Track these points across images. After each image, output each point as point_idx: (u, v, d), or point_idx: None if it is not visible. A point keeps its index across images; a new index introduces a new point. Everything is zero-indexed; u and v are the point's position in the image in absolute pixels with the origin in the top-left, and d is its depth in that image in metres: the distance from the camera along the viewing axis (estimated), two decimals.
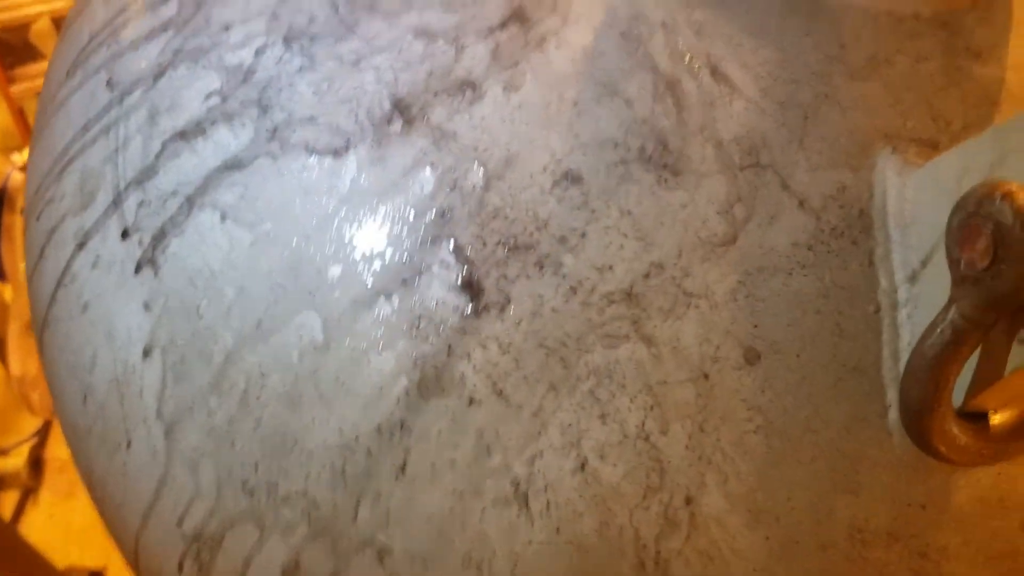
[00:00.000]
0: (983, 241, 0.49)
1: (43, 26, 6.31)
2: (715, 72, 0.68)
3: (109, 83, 0.83)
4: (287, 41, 0.75)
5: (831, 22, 0.70)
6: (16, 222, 2.98)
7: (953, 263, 0.52)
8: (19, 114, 5.66)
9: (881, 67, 0.68)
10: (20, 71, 5.89)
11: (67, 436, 0.83)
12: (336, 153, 0.70)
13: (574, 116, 0.68)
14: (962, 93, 0.68)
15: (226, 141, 0.74)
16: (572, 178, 0.66)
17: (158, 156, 0.76)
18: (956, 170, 0.57)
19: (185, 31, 0.80)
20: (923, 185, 0.61)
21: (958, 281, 0.51)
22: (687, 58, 0.69)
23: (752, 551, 0.61)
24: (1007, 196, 0.48)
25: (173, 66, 0.79)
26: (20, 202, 2.97)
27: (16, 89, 5.82)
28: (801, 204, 0.65)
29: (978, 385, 0.55)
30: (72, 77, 0.88)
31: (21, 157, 3.08)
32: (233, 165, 0.73)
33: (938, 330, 0.52)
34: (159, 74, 0.79)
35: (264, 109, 0.74)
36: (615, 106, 0.68)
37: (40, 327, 0.85)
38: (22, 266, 2.94)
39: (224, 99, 0.75)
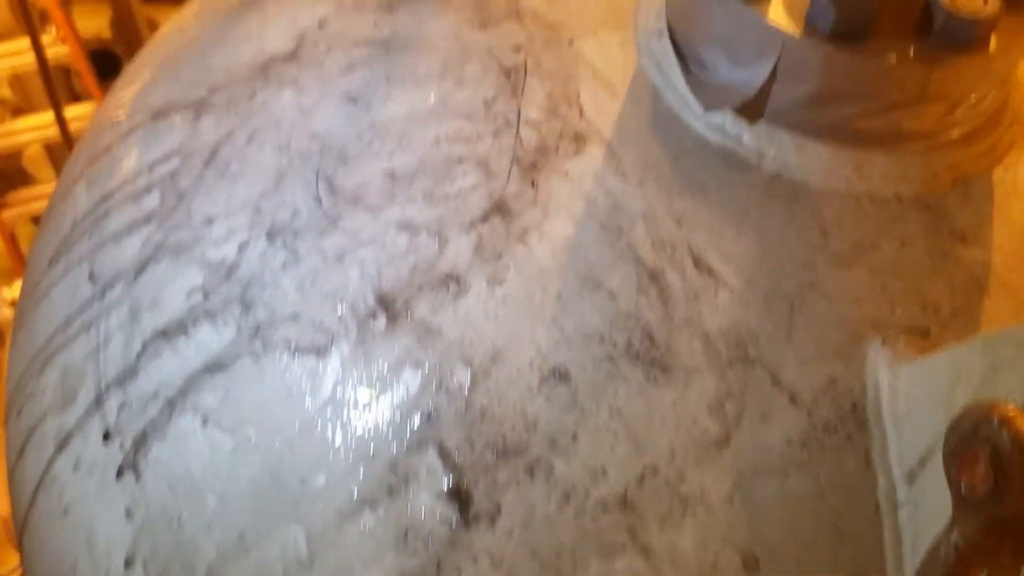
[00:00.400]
0: (982, 466, 0.48)
1: (35, 152, 6.40)
2: (698, 263, 0.68)
3: (91, 276, 0.82)
4: (270, 236, 0.75)
5: (812, 208, 0.70)
6: (7, 358, 2.96)
7: (953, 484, 0.50)
8: (10, 239, 5.68)
9: (866, 253, 0.68)
10: (12, 196, 5.94)
11: None
12: (319, 352, 0.69)
13: (559, 309, 0.67)
14: (949, 277, 0.68)
15: (208, 340, 0.73)
16: (560, 375, 0.65)
17: (139, 356, 0.75)
18: (948, 374, 0.56)
19: (168, 224, 0.80)
20: (916, 382, 0.60)
21: (959, 504, 0.50)
22: (669, 249, 0.68)
23: None
24: (1005, 422, 0.47)
25: (155, 260, 0.78)
26: (10, 336, 2.98)
27: (8, 214, 5.85)
28: (792, 399, 0.63)
29: None
30: (54, 266, 0.87)
31: (11, 292, 3.08)
32: (215, 366, 0.72)
33: (941, 553, 0.50)
34: (141, 269, 0.79)
35: (247, 307, 0.73)
36: (599, 299, 0.67)
37: (20, 529, 0.82)
38: None
39: (206, 296, 0.75)
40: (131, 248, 0.81)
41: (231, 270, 0.75)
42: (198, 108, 0.86)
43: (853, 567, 0.60)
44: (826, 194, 0.70)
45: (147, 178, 0.84)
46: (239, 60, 0.89)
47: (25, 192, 5.89)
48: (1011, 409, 0.47)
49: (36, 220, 6.31)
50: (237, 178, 0.79)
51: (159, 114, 0.88)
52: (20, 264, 5.50)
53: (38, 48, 3.68)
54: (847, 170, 0.70)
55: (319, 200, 0.76)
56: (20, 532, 0.83)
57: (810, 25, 0.65)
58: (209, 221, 0.78)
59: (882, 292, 0.67)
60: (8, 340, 2.56)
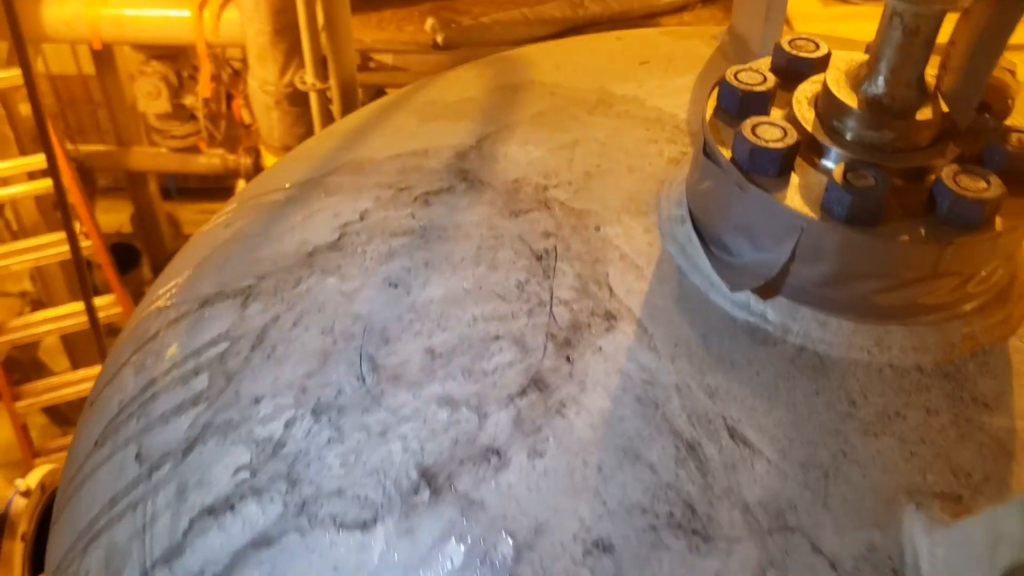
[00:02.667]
0: None
1: (52, 343, 6.50)
2: (733, 434, 0.70)
3: (138, 456, 0.84)
4: (316, 413, 0.78)
5: (839, 379, 0.73)
6: (16, 549, 2.92)
7: None
8: (22, 430, 5.69)
9: (893, 421, 0.71)
10: (26, 387, 5.99)
11: None
12: (364, 527, 0.71)
13: (600, 482, 0.69)
14: (977, 444, 0.70)
15: (254, 517, 0.74)
16: (603, 547, 0.66)
17: (185, 534, 0.76)
18: (987, 536, 0.58)
19: (216, 404, 0.83)
20: (955, 545, 0.62)
21: None
22: (705, 421, 0.71)
23: None
24: None
25: (203, 440, 0.81)
26: (21, 527, 2.95)
27: (20, 405, 5.88)
28: (833, 566, 0.65)
29: None
30: (100, 448, 0.90)
31: (24, 482, 3.08)
32: (261, 543, 0.73)
33: None
34: (189, 448, 0.81)
35: (293, 483, 0.75)
36: (639, 471, 0.69)
37: None
38: None
39: (253, 473, 0.77)
40: (179, 428, 0.83)
41: (277, 447, 0.77)
42: (246, 295, 0.91)
43: None
44: (850, 365, 0.74)
45: (195, 361, 0.88)
46: (285, 251, 0.94)
47: (39, 384, 5.95)
48: None
49: (47, 411, 6.32)
50: (283, 360, 0.83)
51: (207, 301, 0.93)
52: (31, 454, 5.48)
53: (73, 242, 3.82)
54: (868, 342, 0.74)
55: (362, 379, 0.79)
56: None
57: (825, 209, 0.71)
58: (256, 401, 0.81)
59: (912, 459, 0.69)
60: (18, 530, 2.53)
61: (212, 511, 0.77)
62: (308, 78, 3.84)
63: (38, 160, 5.11)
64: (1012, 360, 0.76)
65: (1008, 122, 0.76)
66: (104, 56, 6.23)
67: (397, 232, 0.91)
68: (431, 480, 0.72)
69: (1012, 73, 0.76)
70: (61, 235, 5.47)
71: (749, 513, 0.67)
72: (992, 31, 0.69)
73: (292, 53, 4.61)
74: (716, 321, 0.77)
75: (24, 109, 5.61)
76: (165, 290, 1.01)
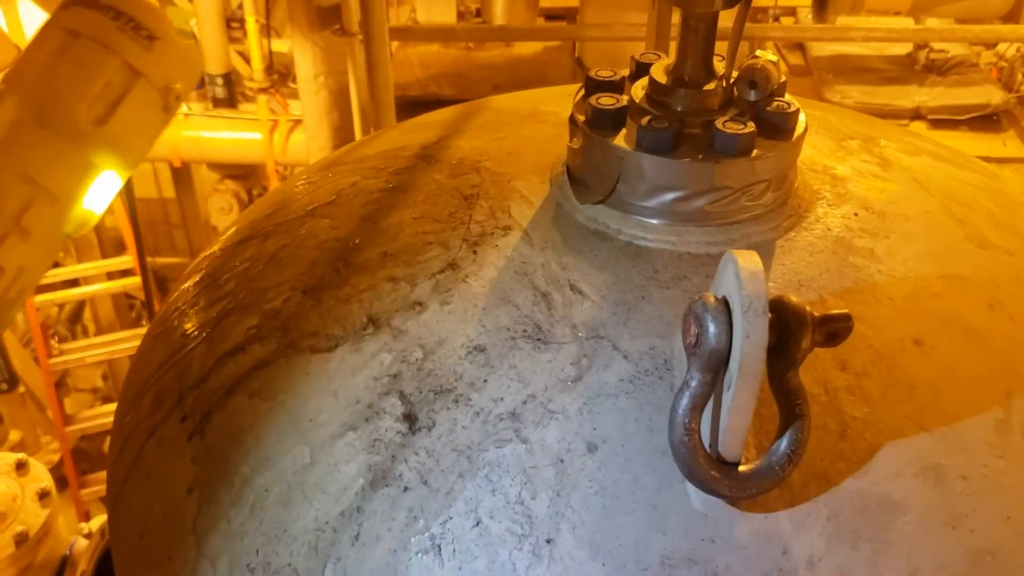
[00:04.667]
0: (691, 327, 0.83)
1: None
2: (573, 287, 1.05)
3: (183, 333, 1.22)
4: (304, 292, 1.15)
5: (649, 259, 1.08)
6: None
7: (685, 347, 0.85)
8: (85, 517, 6.06)
9: (682, 282, 1.05)
10: (92, 477, 6.39)
11: (120, 565, 1.10)
12: (329, 350, 1.07)
13: (482, 315, 1.04)
14: None
15: (257, 352, 1.10)
16: (480, 349, 1.01)
17: (210, 369, 1.13)
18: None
19: (236, 295, 1.20)
20: None
21: (687, 355, 0.84)
22: (555, 281, 1.06)
23: (593, 574, 0.86)
24: (701, 298, 0.83)
25: (228, 315, 1.18)
26: (81, 566, 3.28)
27: (85, 492, 6.27)
28: (626, 358, 0.98)
29: (721, 433, 0.85)
30: (157, 337, 1.27)
31: (87, 526, 3.43)
32: (261, 366, 1.09)
33: (682, 391, 0.84)
34: (217, 321, 1.18)
35: (284, 331, 1.11)
36: (508, 309, 1.04)
37: (114, 500, 1.16)
38: None
39: (259, 329, 1.13)
40: (211, 312, 1.21)
41: (276, 313, 1.14)
42: (265, 236, 1.30)
43: (661, 448, 0.91)
44: (659, 252, 1.09)
45: (227, 275, 1.26)
46: (295, 210, 1.33)
47: (104, 474, 6.32)
48: (706, 294, 0.83)
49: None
50: (286, 267, 1.21)
51: (240, 242, 1.32)
52: None
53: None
54: (672, 237, 1.09)
55: (337, 270, 1.16)
56: (113, 504, 1.16)
57: (637, 143, 1.07)
58: (265, 290, 1.19)
59: (687, 299, 1.03)
60: (79, 568, 2.88)
61: (230, 353, 1.13)
62: None
63: (124, 261, 5.67)
64: (775, 252, 1.10)
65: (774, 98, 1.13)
66: (183, 176, 6.89)
67: (374, 191, 1.29)
68: (375, 321, 1.08)
69: (776, 65, 1.13)
70: (134, 332, 5.98)
71: (575, 329, 1.01)
72: (738, 25, 1.07)
73: None
74: (575, 229, 1.13)
75: (108, 221, 6.24)
76: (213, 243, 1.41)
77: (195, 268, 1.37)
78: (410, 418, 0.98)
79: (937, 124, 5.54)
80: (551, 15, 7.17)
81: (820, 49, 6.20)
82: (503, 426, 0.95)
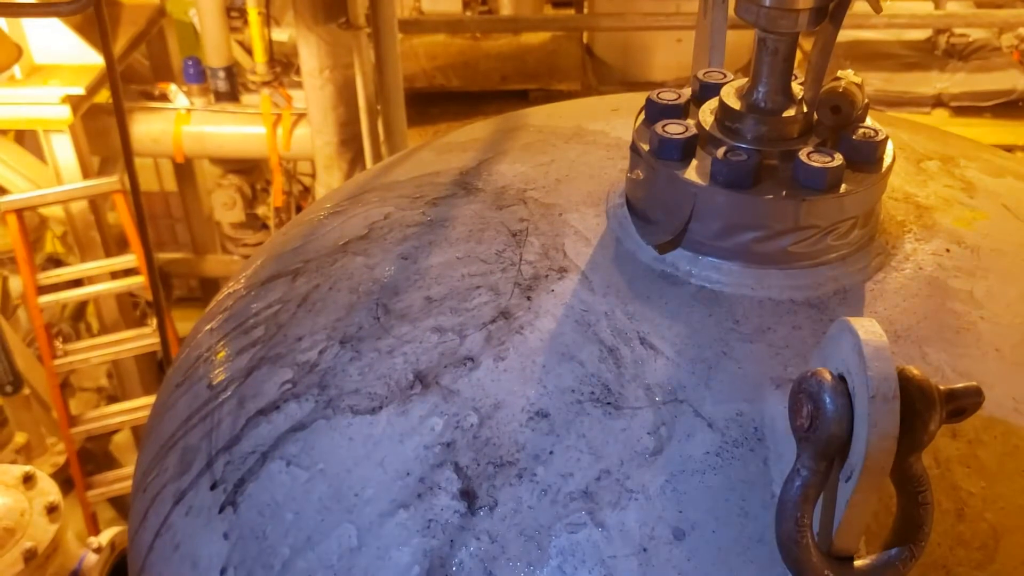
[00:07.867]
0: (804, 408, 0.72)
1: (123, 438, 6.86)
2: (643, 341, 0.95)
3: (209, 385, 1.11)
4: (342, 343, 1.04)
5: (727, 307, 0.98)
6: None
7: (793, 428, 0.74)
8: (91, 518, 5.98)
9: (766, 334, 0.95)
10: (98, 478, 6.31)
11: None
12: (373, 411, 0.96)
13: (543, 374, 0.94)
14: None
15: (293, 411, 1.00)
16: (542, 414, 0.91)
17: (243, 429, 1.02)
18: None
19: (268, 344, 1.09)
20: None
21: (797, 439, 0.73)
22: (622, 334, 0.96)
23: None
24: (815, 374, 0.72)
25: (258, 368, 1.07)
26: None
27: (92, 494, 6.19)
28: (710, 426, 0.88)
29: (836, 528, 0.74)
30: (180, 387, 1.17)
31: (96, 540, 3.34)
32: (297, 428, 0.98)
33: (793, 479, 0.73)
34: (247, 374, 1.07)
35: (323, 388, 1.01)
36: (572, 366, 0.94)
37: (139, 573, 1.06)
38: None
39: (294, 385, 1.03)
40: (240, 362, 1.10)
41: (312, 367, 1.03)
42: (295, 274, 1.19)
43: (756, 535, 0.81)
44: (737, 299, 0.98)
45: (255, 319, 1.15)
46: (325, 244, 1.22)
47: (110, 475, 6.26)
48: (820, 370, 0.72)
49: (115, 504, 6.59)
50: (320, 312, 1.10)
51: (267, 281, 1.21)
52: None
53: (163, 330, 4.16)
54: (751, 281, 0.98)
55: (377, 318, 1.05)
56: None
57: (712, 178, 0.96)
58: (299, 339, 1.08)
59: (777, 357, 0.92)
60: None
61: (263, 411, 1.02)
62: None
63: (128, 260, 5.57)
64: (866, 297, 0.99)
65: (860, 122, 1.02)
66: (185, 171, 6.77)
67: (411, 224, 1.19)
68: (422, 379, 0.97)
69: (860, 87, 1.02)
70: (138, 331, 5.88)
71: (649, 391, 0.91)
72: (822, 47, 0.96)
73: (355, 162, 5.05)
74: (640, 271, 1.02)
75: (111, 217, 6.13)
76: (236, 279, 1.30)
77: (218, 307, 1.27)
78: (469, 495, 0.87)
79: (960, 111, 5.40)
80: (558, 2, 7.02)
81: None
82: (575, 507, 0.85)
